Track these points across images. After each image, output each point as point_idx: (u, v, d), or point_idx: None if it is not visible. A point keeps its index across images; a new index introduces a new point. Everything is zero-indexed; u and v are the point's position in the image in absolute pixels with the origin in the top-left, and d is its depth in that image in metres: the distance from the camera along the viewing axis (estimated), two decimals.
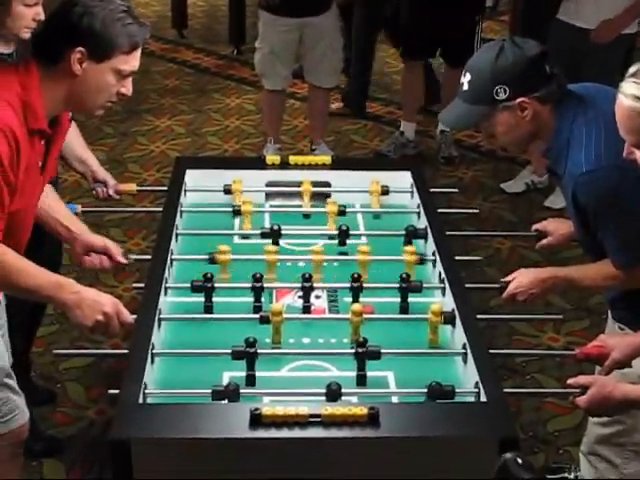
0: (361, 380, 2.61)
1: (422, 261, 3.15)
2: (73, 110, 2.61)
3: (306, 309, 2.94)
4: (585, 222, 2.67)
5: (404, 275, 2.96)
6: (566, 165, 2.63)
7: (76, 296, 2.49)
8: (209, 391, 2.49)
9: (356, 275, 2.95)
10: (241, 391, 2.47)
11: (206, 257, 3.10)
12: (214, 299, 2.92)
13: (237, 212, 3.41)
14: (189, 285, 2.93)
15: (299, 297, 3.00)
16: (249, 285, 2.93)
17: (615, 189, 2.55)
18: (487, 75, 2.62)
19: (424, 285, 3.00)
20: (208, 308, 2.91)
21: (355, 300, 2.91)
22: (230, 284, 3.03)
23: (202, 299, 2.92)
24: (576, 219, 2.71)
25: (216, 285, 2.93)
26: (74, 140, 3.43)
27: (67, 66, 2.41)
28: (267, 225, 3.42)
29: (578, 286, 2.83)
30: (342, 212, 3.42)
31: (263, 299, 2.95)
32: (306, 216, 3.53)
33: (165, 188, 3.65)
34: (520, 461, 1.64)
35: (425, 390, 2.50)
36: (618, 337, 2.65)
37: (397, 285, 2.95)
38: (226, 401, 2.45)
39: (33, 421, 3.34)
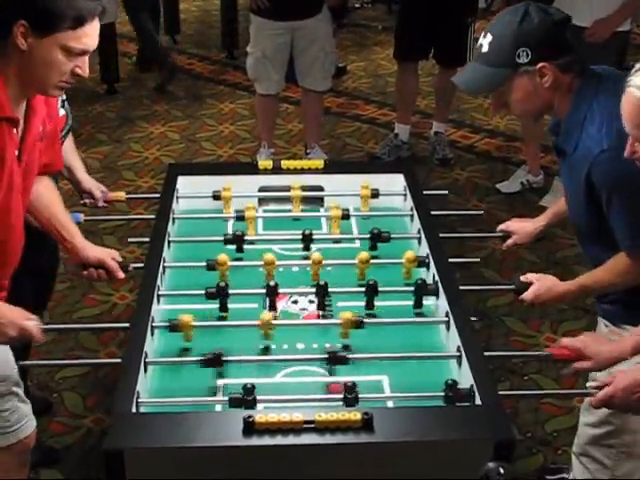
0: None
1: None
2: (29, 91, 2.54)
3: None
4: (593, 203, 2.62)
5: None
6: (579, 141, 2.58)
7: None
8: (204, 399, 2.50)
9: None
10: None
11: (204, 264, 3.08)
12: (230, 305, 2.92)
13: (241, 218, 3.38)
14: (203, 292, 2.92)
15: (293, 302, 2.99)
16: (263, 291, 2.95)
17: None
18: (510, 37, 2.58)
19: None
20: (223, 312, 2.91)
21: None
22: (243, 290, 3.01)
23: (195, 306, 2.91)
24: (584, 199, 2.64)
25: (230, 291, 2.92)
26: (66, 146, 3.42)
27: (14, 42, 2.37)
28: (261, 231, 3.43)
29: (594, 291, 2.81)
30: (346, 216, 3.41)
31: (256, 305, 2.94)
32: (296, 220, 3.51)
33: (156, 195, 3.65)
34: (502, 471, 1.63)
35: (441, 393, 2.48)
36: (596, 345, 2.55)
37: (410, 288, 2.96)
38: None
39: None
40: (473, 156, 6.40)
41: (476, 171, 6.16)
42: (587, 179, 2.58)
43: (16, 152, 2.55)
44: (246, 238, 3.26)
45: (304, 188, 3.56)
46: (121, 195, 3.70)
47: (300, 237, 3.28)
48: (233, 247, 3.24)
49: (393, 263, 3.15)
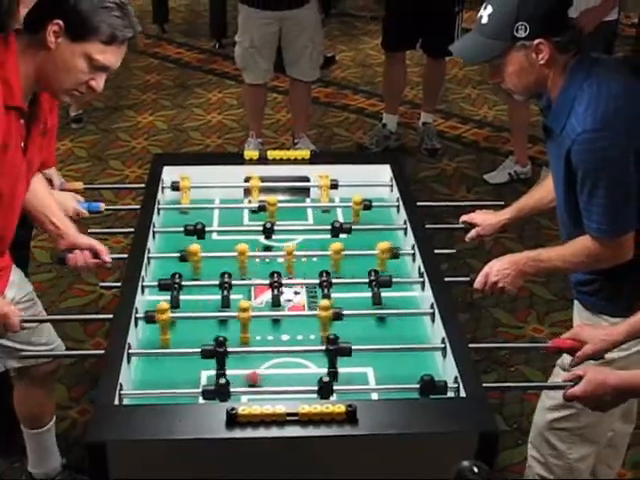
0: (333, 377, 2.57)
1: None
2: (41, 89, 2.58)
3: (275, 303, 2.91)
4: (571, 184, 2.63)
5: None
6: (567, 121, 2.59)
7: None
8: (187, 391, 2.48)
9: (325, 271, 2.96)
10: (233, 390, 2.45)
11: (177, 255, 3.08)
12: (182, 297, 2.89)
13: (262, 208, 3.37)
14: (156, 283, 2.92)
15: (279, 292, 2.97)
16: (217, 282, 2.92)
17: (615, 153, 2.53)
18: (510, 10, 2.57)
19: (404, 280, 3.01)
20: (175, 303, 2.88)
21: (326, 295, 2.90)
22: (199, 282, 3.01)
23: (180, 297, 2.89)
24: (563, 179, 2.66)
25: (183, 283, 2.92)
26: None
27: (43, 38, 2.41)
28: (246, 222, 3.41)
29: (548, 266, 2.80)
30: (367, 207, 3.38)
31: (241, 296, 2.93)
32: (254, 211, 3.46)
33: (117, 186, 3.60)
34: (476, 470, 1.61)
35: (416, 385, 2.48)
36: (591, 329, 2.63)
37: (366, 280, 2.95)
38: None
39: (16, 420, 3.34)
40: (461, 146, 6.40)
41: (464, 161, 6.15)
42: (567, 158, 2.59)
43: (22, 144, 2.57)
44: (207, 229, 3.24)
45: (290, 179, 3.55)
46: (78, 185, 3.68)
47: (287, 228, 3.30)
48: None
49: (364, 254, 3.14)
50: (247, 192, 3.55)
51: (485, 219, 3.20)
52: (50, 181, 3.50)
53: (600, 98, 2.54)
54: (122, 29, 2.45)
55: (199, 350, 2.66)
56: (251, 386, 2.56)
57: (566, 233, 2.80)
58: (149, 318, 2.72)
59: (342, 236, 3.28)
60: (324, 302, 2.77)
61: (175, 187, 3.48)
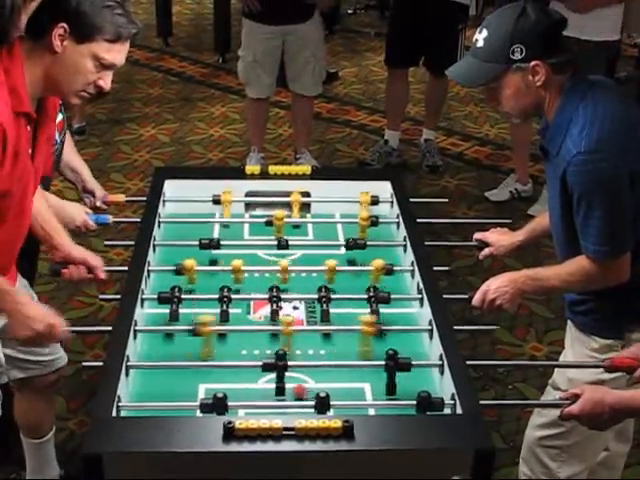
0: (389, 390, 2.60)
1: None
2: (50, 93, 2.58)
3: (274, 317, 2.91)
4: (567, 205, 2.65)
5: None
6: (563, 143, 2.61)
7: (16, 307, 2.56)
8: (184, 404, 2.48)
9: (324, 286, 2.97)
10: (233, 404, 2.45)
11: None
12: (181, 310, 2.89)
13: (269, 223, 3.38)
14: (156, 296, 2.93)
15: (278, 307, 2.98)
16: (216, 296, 2.92)
17: (610, 174, 2.54)
18: (506, 33, 2.60)
19: (403, 296, 3.02)
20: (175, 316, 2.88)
21: (325, 311, 2.91)
22: (198, 295, 3.01)
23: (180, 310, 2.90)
24: (559, 201, 2.68)
25: (183, 296, 2.92)
26: (67, 149, 3.43)
27: (49, 42, 2.41)
28: (246, 236, 3.42)
29: (546, 285, 2.80)
30: (375, 223, 3.39)
31: (240, 310, 2.95)
32: (296, 227, 3.50)
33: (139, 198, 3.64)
34: None
35: (413, 402, 2.48)
36: None
37: (365, 296, 2.95)
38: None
39: (15, 431, 3.34)
40: (462, 164, 6.42)
41: (465, 179, 6.17)
42: (563, 179, 2.61)
43: (29, 150, 2.58)
44: (224, 243, 3.26)
45: (291, 194, 3.55)
46: (121, 197, 3.70)
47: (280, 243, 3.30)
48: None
49: (362, 271, 3.15)
50: (247, 207, 3.57)
51: (499, 239, 3.20)
52: (93, 193, 3.53)
53: (595, 120, 2.56)
54: (126, 26, 2.47)
55: (197, 363, 2.68)
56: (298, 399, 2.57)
57: (562, 254, 2.82)
58: (195, 331, 2.73)
59: (339, 252, 3.31)
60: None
61: (216, 201, 3.47)
